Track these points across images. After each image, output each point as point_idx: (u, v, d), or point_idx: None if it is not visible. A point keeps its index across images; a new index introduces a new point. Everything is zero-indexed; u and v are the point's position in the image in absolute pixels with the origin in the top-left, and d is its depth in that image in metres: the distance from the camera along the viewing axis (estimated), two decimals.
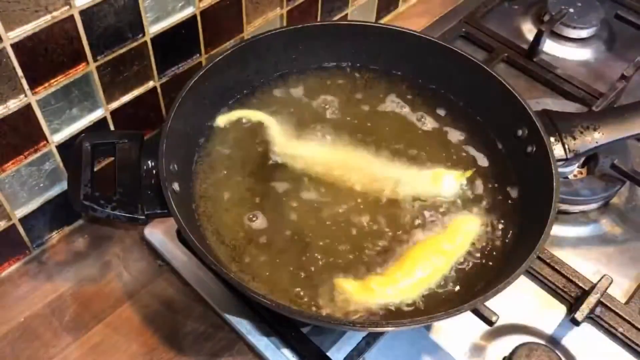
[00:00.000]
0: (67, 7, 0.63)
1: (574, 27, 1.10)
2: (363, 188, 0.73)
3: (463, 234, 0.69)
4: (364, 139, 0.78)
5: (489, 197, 0.74)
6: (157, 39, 0.74)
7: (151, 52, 0.75)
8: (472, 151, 0.78)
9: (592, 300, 0.74)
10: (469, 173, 0.74)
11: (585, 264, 0.82)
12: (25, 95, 0.65)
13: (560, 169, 0.77)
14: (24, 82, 0.64)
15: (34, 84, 0.65)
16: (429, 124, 0.81)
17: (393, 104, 0.82)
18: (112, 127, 0.77)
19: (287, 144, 0.76)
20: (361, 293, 0.64)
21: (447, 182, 0.73)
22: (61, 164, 0.74)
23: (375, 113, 0.81)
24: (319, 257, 0.67)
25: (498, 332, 0.75)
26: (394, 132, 0.79)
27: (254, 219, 0.70)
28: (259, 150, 0.76)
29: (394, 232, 0.70)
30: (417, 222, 0.70)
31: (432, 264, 0.66)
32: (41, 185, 0.74)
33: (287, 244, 0.68)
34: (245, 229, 0.69)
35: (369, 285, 0.64)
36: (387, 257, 0.67)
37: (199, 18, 0.78)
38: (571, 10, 1.11)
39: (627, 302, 0.78)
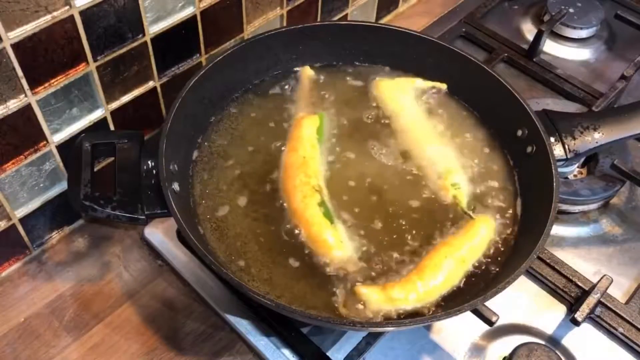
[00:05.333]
0: (67, 7, 0.63)
1: (574, 27, 1.10)
2: (371, 186, 0.73)
3: (480, 236, 0.68)
4: (366, 139, 0.78)
5: (489, 198, 0.73)
6: (157, 39, 0.74)
7: (151, 52, 0.75)
8: (473, 151, 0.78)
9: (592, 300, 0.74)
10: None
11: (585, 264, 0.82)
12: (25, 96, 0.65)
13: (560, 169, 0.77)
14: (24, 82, 0.64)
15: (34, 84, 0.65)
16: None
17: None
18: (112, 127, 0.77)
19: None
20: (383, 301, 0.63)
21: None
22: (61, 164, 0.74)
23: (375, 112, 0.81)
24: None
25: (498, 332, 0.75)
26: (395, 132, 0.79)
27: (255, 218, 0.70)
28: (260, 149, 0.76)
29: (410, 236, 0.69)
30: (432, 224, 0.70)
31: (451, 269, 0.65)
32: (41, 185, 0.74)
33: (292, 244, 0.68)
34: (247, 229, 0.69)
35: (390, 294, 0.63)
36: (406, 261, 0.67)
37: (199, 18, 0.78)
38: (571, 10, 1.11)
39: (627, 302, 0.78)
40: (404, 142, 0.77)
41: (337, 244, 0.66)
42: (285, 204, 0.69)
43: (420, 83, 0.82)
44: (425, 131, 0.79)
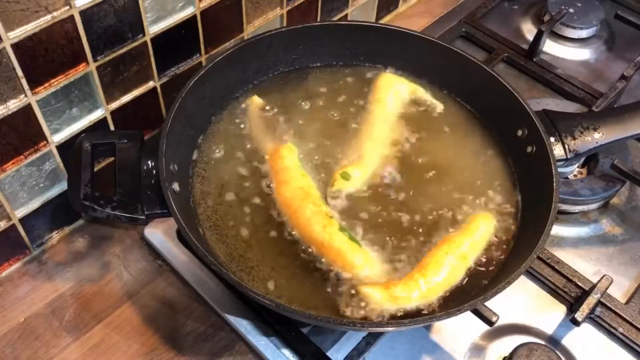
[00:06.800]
0: (67, 7, 0.63)
1: (574, 27, 1.10)
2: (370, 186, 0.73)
3: (481, 233, 0.69)
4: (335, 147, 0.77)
5: (489, 198, 0.73)
6: (157, 39, 0.74)
7: (151, 52, 0.75)
8: (472, 151, 0.78)
9: (592, 300, 0.74)
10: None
11: (585, 264, 0.82)
12: (25, 96, 0.65)
13: (560, 169, 0.78)
14: (24, 82, 0.64)
15: (34, 84, 0.65)
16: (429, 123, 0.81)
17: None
18: (112, 127, 0.77)
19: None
20: (386, 300, 0.63)
21: None
22: (61, 164, 0.74)
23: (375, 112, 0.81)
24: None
25: (498, 332, 0.75)
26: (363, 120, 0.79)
27: (255, 218, 0.70)
28: (261, 149, 0.76)
29: (412, 233, 0.69)
30: (434, 222, 0.70)
31: (453, 266, 0.66)
32: (41, 185, 0.74)
33: (291, 243, 0.68)
34: (247, 229, 0.69)
35: (393, 293, 0.63)
36: (408, 259, 0.67)
37: (199, 18, 0.78)
38: (571, 10, 1.11)
39: (627, 302, 0.78)
40: (361, 130, 0.77)
41: (371, 265, 0.66)
42: (297, 234, 0.68)
43: (420, 93, 0.82)
44: (381, 128, 0.78)
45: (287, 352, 0.70)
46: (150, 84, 0.78)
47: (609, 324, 0.76)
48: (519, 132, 0.75)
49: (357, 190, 0.73)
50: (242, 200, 0.71)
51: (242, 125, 0.78)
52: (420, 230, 0.70)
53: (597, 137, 0.78)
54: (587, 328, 0.76)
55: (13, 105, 0.65)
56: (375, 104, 0.80)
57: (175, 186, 0.66)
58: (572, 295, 0.78)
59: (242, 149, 0.76)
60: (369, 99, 0.81)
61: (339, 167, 0.73)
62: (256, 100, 0.79)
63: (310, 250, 0.67)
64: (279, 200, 0.70)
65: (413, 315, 0.63)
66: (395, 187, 0.73)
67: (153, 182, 0.66)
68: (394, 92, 0.81)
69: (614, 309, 0.76)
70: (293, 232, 0.68)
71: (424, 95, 0.82)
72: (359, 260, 0.65)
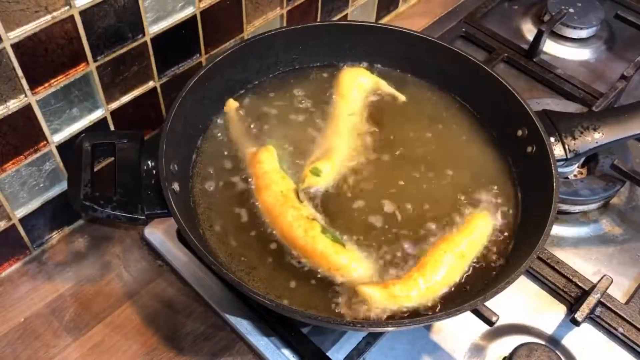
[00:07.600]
0: (67, 7, 0.63)
1: (574, 27, 1.10)
2: (371, 187, 0.73)
3: (479, 231, 0.69)
4: (364, 138, 0.78)
5: (489, 198, 0.73)
6: (157, 39, 0.74)
7: (151, 52, 0.75)
8: (472, 151, 0.78)
9: (592, 300, 0.74)
10: None
11: (585, 264, 0.82)
12: (25, 96, 0.65)
13: (560, 169, 0.78)
14: (24, 82, 0.64)
15: (34, 84, 0.65)
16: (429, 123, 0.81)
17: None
18: (112, 128, 0.77)
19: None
20: (386, 299, 0.63)
21: None
22: (61, 164, 0.74)
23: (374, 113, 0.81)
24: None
25: (498, 332, 0.75)
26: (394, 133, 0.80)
27: (255, 218, 0.70)
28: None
29: (410, 232, 0.69)
30: (433, 221, 0.71)
31: (451, 265, 0.66)
32: (41, 185, 0.74)
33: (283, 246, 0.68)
34: (247, 229, 0.69)
35: (393, 292, 0.63)
36: (407, 258, 0.67)
37: (199, 18, 0.78)
38: (571, 10, 1.11)
39: (627, 302, 0.78)
40: (327, 126, 0.78)
41: (358, 265, 0.66)
42: (282, 239, 0.68)
43: (382, 85, 0.83)
44: (347, 122, 0.78)
45: (287, 352, 0.70)
46: (150, 84, 0.78)
47: (609, 324, 0.76)
48: (519, 132, 0.75)
49: (343, 188, 0.73)
50: (243, 200, 0.71)
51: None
52: (413, 228, 0.70)
53: (597, 137, 0.78)
54: (587, 328, 0.76)
55: (13, 105, 0.65)
56: (339, 99, 0.80)
57: (176, 186, 0.66)
58: (572, 295, 0.78)
59: (233, 153, 0.75)
60: (333, 94, 0.81)
61: (309, 163, 0.74)
62: (232, 104, 0.78)
63: (295, 254, 0.67)
64: (261, 206, 0.70)
65: (413, 315, 0.63)
66: (386, 185, 0.73)
67: (153, 182, 0.66)
68: (357, 85, 0.81)
69: (614, 309, 0.76)
70: (280, 239, 0.68)
71: (385, 87, 0.82)
72: (345, 261, 0.65)
